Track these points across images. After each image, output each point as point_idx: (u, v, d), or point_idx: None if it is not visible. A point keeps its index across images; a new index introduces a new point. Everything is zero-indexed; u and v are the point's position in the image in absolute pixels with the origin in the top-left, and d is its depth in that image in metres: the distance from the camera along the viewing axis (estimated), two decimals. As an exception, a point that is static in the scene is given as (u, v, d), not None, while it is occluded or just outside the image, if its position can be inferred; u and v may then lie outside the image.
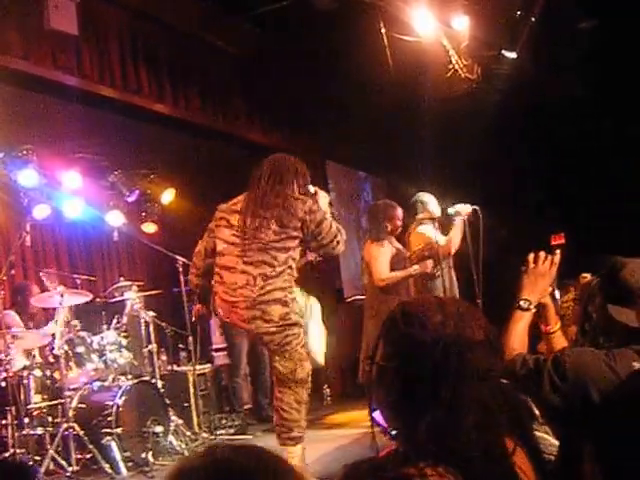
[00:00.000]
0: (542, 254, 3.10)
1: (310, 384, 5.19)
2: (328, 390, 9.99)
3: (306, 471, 5.15)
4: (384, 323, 1.98)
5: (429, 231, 7.23)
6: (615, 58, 9.09)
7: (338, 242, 5.09)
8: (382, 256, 7.08)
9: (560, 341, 3.14)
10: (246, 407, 8.87)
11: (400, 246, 7.29)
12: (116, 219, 8.87)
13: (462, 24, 8.02)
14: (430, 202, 7.41)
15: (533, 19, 7.95)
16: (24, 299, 7.58)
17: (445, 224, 7.30)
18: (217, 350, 9.41)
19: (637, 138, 9.54)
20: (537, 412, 2.92)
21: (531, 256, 3.11)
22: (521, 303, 3.04)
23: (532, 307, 3.04)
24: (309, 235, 5.04)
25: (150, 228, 9.62)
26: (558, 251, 3.14)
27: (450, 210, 7.21)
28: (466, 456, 1.72)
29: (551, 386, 2.75)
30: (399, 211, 7.25)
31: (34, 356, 6.98)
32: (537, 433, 2.74)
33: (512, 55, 8.29)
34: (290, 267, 5.04)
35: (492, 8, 8.15)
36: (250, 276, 5.02)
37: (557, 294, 3.14)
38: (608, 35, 8.79)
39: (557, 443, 2.56)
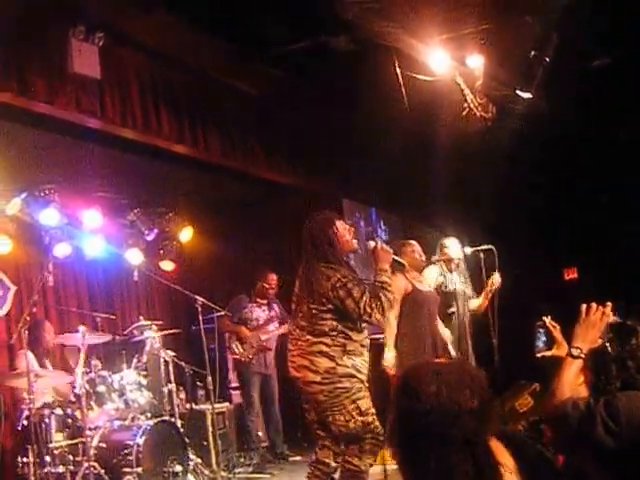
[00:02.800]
0: (594, 305, 3.23)
1: (369, 435, 5.08)
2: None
3: None
4: (393, 391, 2.16)
5: (432, 272, 7.43)
6: (628, 95, 9.16)
7: (369, 314, 5.01)
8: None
9: (583, 392, 3.23)
10: (263, 444, 8.89)
11: (425, 286, 7.25)
12: (135, 257, 8.98)
13: (477, 62, 8.08)
14: (451, 246, 7.52)
15: (547, 59, 8.01)
16: (37, 336, 7.62)
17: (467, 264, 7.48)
18: (235, 389, 9.44)
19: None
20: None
21: (584, 307, 3.24)
22: (572, 351, 3.18)
23: (582, 355, 3.17)
24: (340, 310, 5.07)
25: (168, 266, 9.69)
26: (609, 303, 3.25)
27: (467, 250, 7.35)
28: None
29: (604, 429, 2.86)
30: (416, 247, 7.28)
31: (55, 395, 7.03)
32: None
33: (527, 95, 8.36)
34: (341, 332, 5.07)
35: (506, 47, 8.21)
36: (301, 331, 5.18)
37: (607, 345, 3.24)
38: (622, 72, 8.87)
39: None
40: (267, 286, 8.94)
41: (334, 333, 5.05)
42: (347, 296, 5.00)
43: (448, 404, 1.97)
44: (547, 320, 3.59)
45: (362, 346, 5.18)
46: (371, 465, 5.19)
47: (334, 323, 5.06)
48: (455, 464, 1.92)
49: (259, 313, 8.94)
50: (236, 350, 8.74)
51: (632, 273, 9.36)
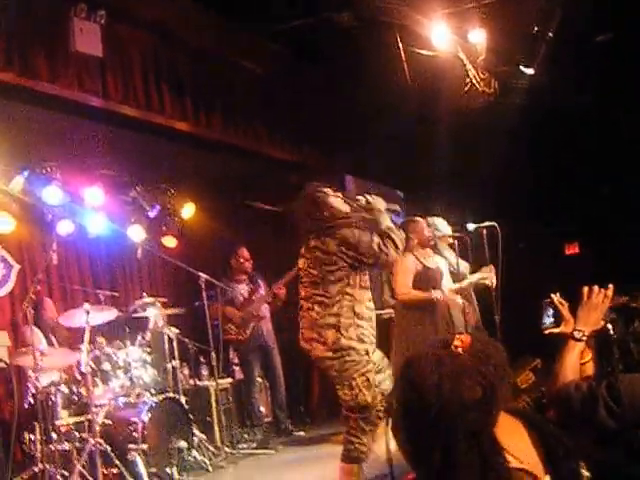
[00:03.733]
0: (596, 288, 3.23)
1: (375, 410, 5.18)
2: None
3: None
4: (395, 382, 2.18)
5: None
6: (631, 71, 9.13)
7: (385, 252, 5.16)
8: (404, 270, 7.12)
9: (589, 371, 3.24)
10: (266, 420, 8.95)
11: (433, 263, 7.28)
12: (137, 234, 8.99)
13: (479, 38, 8.05)
14: (440, 225, 7.52)
15: (550, 35, 7.98)
16: (38, 313, 7.65)
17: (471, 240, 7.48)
18: (237, 364, 9.49)
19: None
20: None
21: (585, 289, 3.24)
22: (575, 333, 3.19)
23: (585, 337, 3.17)
24: (352, 260, 5.17)
25: (170, 242, 9.70)
26: (611, 286, 3.24)
27: (470, 227, 7.33)
28: None
29: (607, 411, 2.88)
30: (422, 224, 7.30)
31: (61, 373, 7.06)
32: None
33: (529, 71, 8.33)
34: (347, 294, 5.16)
35: (509, 23, 8.18)
36: (309, 303, 5.28)
37: (610, 327, 3.24)
38: (625, 48, 8.83)
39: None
40: (241, 260, 9.01)
41: (339, 297, 5.14)
42: (359, 242, 5.13)
43: (450, 397, 1.95)
44: (555, 297, 3.56)
45: (368, 309, 5.28)
46: (373, 439, 5.27)
47: (340, 284, 5.15)
48: (460, 456, 1.91)
49: (242, 289, 8.97)
50: (231, 332, 8.75)
51: (633, 250, 9.37)
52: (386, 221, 5.37)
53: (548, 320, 3.45)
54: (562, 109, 9.71)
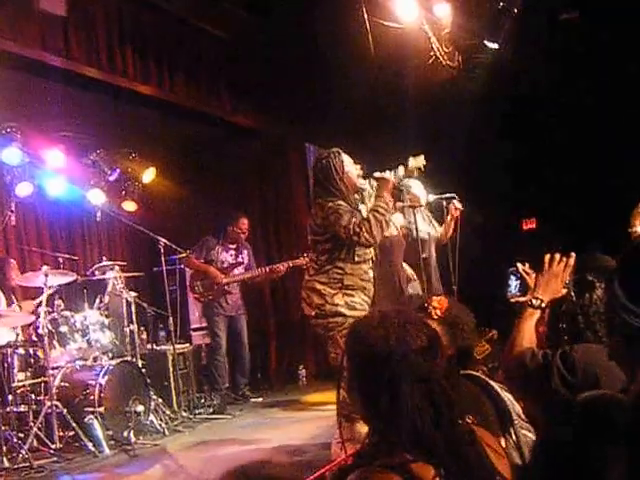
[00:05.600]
0: (557, 256, 3.23)
1: None
2: (304, 371, 10.11)
3: None
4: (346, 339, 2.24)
5: (397, 218, 7.35)
6: (594, 49, 9.21)
7: (358, 233, 5.24)
8: None
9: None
10: (224, 386, 8.99)
11: (393, 230, 7.30)
12: (97, 197, 8.91)
13: (444, 11, 8.06)
14: (415, 187, 7.35)
15: (515, 10, 8.02)
16: (3, 274, 7.60)
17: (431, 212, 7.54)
18: (195, 330, 9.51)
19: (613, 126, 9.70)
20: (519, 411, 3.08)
21: (547, 257, 3.24)
22: (533, 301, 3.19)
23: (543, 305, 3.18)
24: (331, 235, 5.36)
25: (130, 206, 9.66)
26: (573, 254, 3.25)
27: (430, 198, 7.38)
28: (433, 450, 1.95)
29: (561, 380, 2.91)
30: None
31: (17, 334, 7.03)
32: (521, 430, 2.91)
33: (494, 45, 8.36)
34: (336, 267, 5.36)
35: (475, -3, 8.22)
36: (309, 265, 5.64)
37: (572, 295, 3.25)
38: (589, 26, 8.91)
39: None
40: (239, 230, 8.98)
41: (329, 267, 5.34)
42: (336, 220, 5.26)
43: (396, 345, 2.03)
44: (521, 266, 3.57)
45: (363, 280, 5.42)
46: None
47: (328, 255, 5.36)
48: (407, 401, 1.98)
49: (226, 256, 8.95)
50: (197, 290, 8.77)
51: (589, 228, 9.50)
52: (379, 201, 5.44)
53: (514, 289, 3.48)
54: (525, 85, 9.77)
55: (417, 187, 7.35)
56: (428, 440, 1.96)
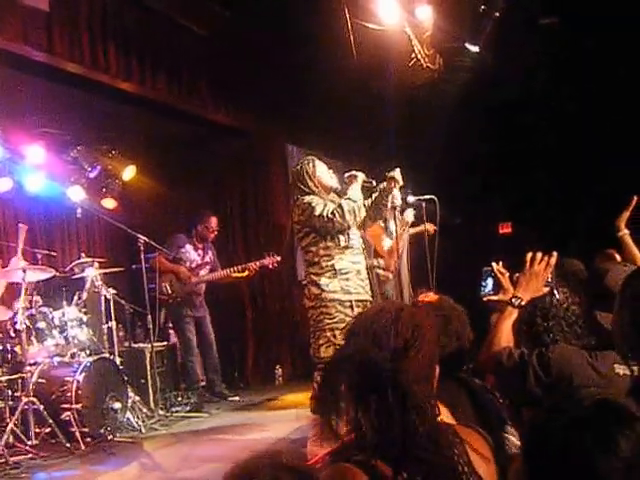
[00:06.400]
0: (539, 255, 3.24)
1: None
2: (280, 370, 10.13)
3: None
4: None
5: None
6: (573, 54, 9.30)
7: (332, 220, 5.57)
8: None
9: None
10: (201, 384, 9.00)
11: None
12: (77, 194, 8.89)
13: (425, 14, 8.09)
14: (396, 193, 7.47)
15: (497, 14, 8.08)
16: None
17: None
18: (172, 328, 9.49)
19: (590, 132, 9.79)
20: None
21: (529, 256, 3.25)
22: (513, 300, 3.21)
23: (522, 304, 3.19)
24: (309, 228, 5.68)
25: (110, 204, 9.63)
26: (555, 253, 3.27)
27: (410, 199, 7.43)
28: (396, 454, 1.97)
29: (535, 379, 2.93)
30: None
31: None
32: (506, 435, 2.92)
33: (474, 49, 8.42)
34: (325, 255, 5.66)
35: (456, 1, 8.26)
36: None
37: (556, 294, 3.26)
38: (568, 32, 8.99)
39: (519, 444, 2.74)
40: (209, 229, 8.97)
41: (317, 259, 5.65)
42: (311, 212, 5.60)
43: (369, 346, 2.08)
44: (496, 266, 3.55)
45: (355, 263, 5.73)
46: None
47: (315, 248, 5.67)
48: (372, 405, 1.98)
49: (195, 256, 8.95)
50: (165, 291, 8.72)
51: (564, 233, 9.58)
52: (350, 191, 5.77)
53: (487, 288, 3.49)
54: (505, 89, 9.84)
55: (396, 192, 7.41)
56: (392, 444, 1.97)
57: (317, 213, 5.58)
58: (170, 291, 8.70)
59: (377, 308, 2.28)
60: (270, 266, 8.75)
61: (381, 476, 1.94)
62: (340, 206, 5.61)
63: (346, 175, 5.90)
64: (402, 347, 2.08)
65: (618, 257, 5.10)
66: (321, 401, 2.14)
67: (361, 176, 5.87)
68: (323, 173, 5.91)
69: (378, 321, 2.14)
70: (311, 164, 5.88)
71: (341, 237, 5.69)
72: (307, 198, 5.70)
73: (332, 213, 5.56)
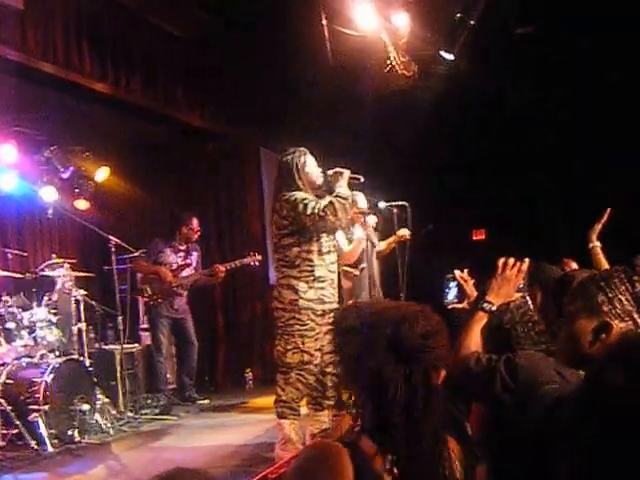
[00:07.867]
0: (511, 260, 3.23)
1: (305, 372, 5.52)
2: (250, 374, 10.12)
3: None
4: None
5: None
6: (548, 64, 9.37)
7: (323, 217, 5.43)
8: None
9: None
10: (170, 387, 8.97)
11: None
12: (49, 195, 8.85)
13: (402, 21, 8.12)
14: (360, 199, 7.43)
15: (472, 22, 8.10)
16: None
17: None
18: (145, 330, 9.46)
19: (572, 139, 9.87)
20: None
21: (501, 261, 3.24)
22: (484, 305, 3.18)
23: (494, 309, 3.19)
24: (297, 224, 5.53)
25: (82, 205, 9.59)
26: (527, 259, 3.26)
27: (381, 205, 7.47)
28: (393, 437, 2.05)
29: (502, 385, 2.93)
30: None
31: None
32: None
33: (449, 57, 8.44)
34: (306, 259, 5.55)
35: (432, 8, 8.29)
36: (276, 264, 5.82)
37: (528, 300, 3.26)
38: (543, 41, 9.05)
39: None
40: (192, 231, 8.95)
41: (298, 262, 5.53)
42: (303, 209, 5.45)
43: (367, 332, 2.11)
44: (458, 273, 3.54)
45: (330, 272, 5.66)
46: (298, 404, 5.60)
47: (297, 249, 5.54)
48: (388, 379, 2.05)
49: (175, 258, 8.92)
50: (145, 293, 8.73)
51: (538, 241, 9.64)
52: (339, 188, 5.61)
53: (451, 295, 3.50)
54: (479, 96, 9.90)
55: (361, 198, 7.43)
56: (392, 427, 2.03)
57: (309, 211, 5.42)
58: (150, 292, 8.69)
59: (397, 302, 2.32)
60: (252, 264, 8.74)
61: (363, 452, 2.01)
62: (331, 204, 5.44)
63: (331, 172, 5.74)
64: (430, 331, 2.12)
65: (574, 265, 5.17)
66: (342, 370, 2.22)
67: (347, 172, 5.71)
68: (312, 168, 5.76)
69: (407, 308, 2.18)
70: (302, 157, 5.71)
71: (324, 242, 5.61)
72: (297, 194, 5.53)
73: (324, 211, 5.40)
